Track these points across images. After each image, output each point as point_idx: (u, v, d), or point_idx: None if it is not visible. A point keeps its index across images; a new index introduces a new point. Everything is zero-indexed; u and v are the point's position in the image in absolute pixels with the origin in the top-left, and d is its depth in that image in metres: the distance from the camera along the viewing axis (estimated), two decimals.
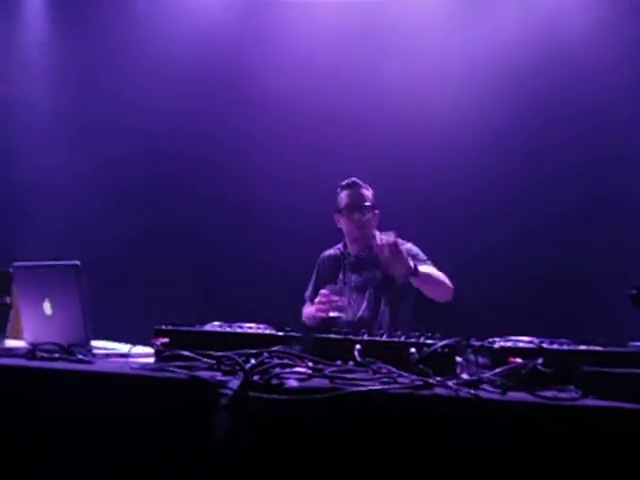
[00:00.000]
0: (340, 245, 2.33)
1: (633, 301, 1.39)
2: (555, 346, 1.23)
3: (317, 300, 2.04)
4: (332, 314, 2.02)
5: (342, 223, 2.24)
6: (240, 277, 2.89)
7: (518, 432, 0.86)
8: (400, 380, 0.95)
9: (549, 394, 0.94)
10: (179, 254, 2.99)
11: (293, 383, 0.92)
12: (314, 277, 2.35)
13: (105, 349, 1.60)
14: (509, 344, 1.23)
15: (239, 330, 1.33)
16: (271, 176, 2.96)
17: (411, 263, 1.92)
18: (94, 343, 1.53)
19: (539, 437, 0.85)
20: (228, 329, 1.35)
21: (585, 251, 2.67)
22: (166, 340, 1.28)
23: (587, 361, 1.12)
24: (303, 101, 2.95)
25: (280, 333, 1.31)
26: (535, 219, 2.77)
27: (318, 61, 3.05)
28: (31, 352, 1.28)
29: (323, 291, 2.04)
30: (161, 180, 3.08)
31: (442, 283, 2.06)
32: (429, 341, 1.21)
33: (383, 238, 1.84)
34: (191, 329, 1.33)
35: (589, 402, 0.91)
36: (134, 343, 1.75)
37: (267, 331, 1.35)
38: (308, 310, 2.24)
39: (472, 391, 0.91)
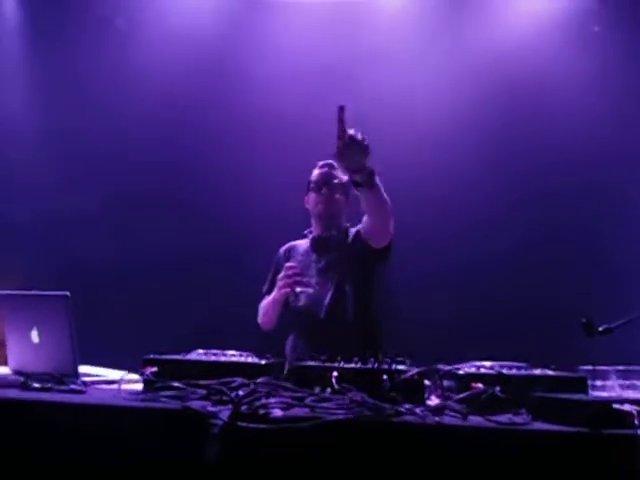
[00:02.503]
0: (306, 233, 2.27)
1: (583, 329, 1.56)
2: (514, 371, 1.37)
3: (281, 275, 1.95)
4: (298, 289, 1.92)
5: (310, 201, 2.20)
6: (230, 301, 2.83)
7: (476, 454, 0.98)
8: (374, 408, 1.06)
9: (504, 418, 1.07)
10: (164, 275, 2.99)
11: (278, 413, 1.02)
12: (272, 271, 2.23)
13: (91, 375, 1.66)
14: (472, 370, 1.37)
15: (224, 359, 1.42)
16: (269, 191, 2.93)
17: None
18: (80, 368, 1.58)
19: (494, 458, 0.98)
20: (213, 358, 1.43)
21: (551, 278, 2.82)
22: (155, 369, 1.37)
23: (539, 386, 1.26)
24: (296, 109, 2.98)
25: (262, 362, 1.41)
26: (508, 239, 2.87)
27: (309, 67, 3.12)
28: (24, 382, 1.34)
29: (290, 264, 1.97)
30: (152, 199, 3.07)
31: (389, 216, 1.90)
32: (400, 367, 1.33)
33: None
34: (178, 358, 1.41)
35: (536, 426, 1.04)
36: (114, 365, 1.82)
37: (249, 359, 1.44)
38: (264, 303, 2.14)
39: (437, 418, 1.02)
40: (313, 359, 1.39)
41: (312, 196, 2.18)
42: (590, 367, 1.51)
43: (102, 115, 3.19)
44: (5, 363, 1.76)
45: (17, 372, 1.67)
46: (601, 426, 1.00)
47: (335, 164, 2.15)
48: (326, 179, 2.14)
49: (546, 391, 1.23)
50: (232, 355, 1.48)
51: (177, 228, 3.04)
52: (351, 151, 1.58)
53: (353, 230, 2.17)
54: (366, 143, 1.59)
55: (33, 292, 1.67)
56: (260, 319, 2.20)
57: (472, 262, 2.88)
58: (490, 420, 1.04)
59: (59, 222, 3.11)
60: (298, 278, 1.93)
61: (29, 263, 3.00)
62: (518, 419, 1.07)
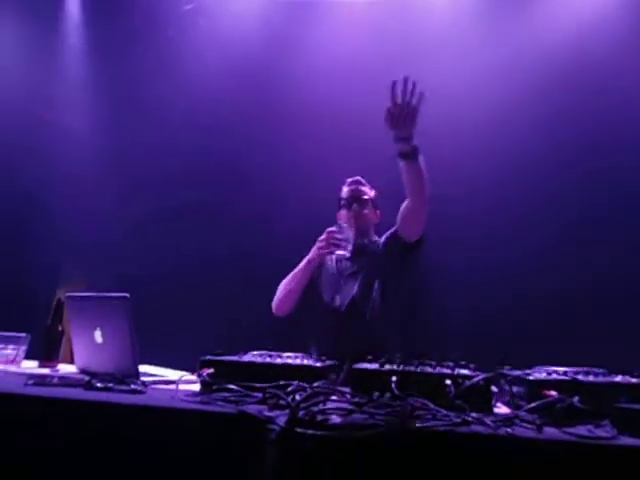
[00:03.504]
0: None
1: None
2: (590, 378, 1.25)
3: (321, 237, 2.09)
4: (339, 252, 2.04)
5: (342, 217, 2.34)
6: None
7: (553, 471, 0.89)
8: (439, 416, 1.00)
9: (584, 431, 0.97)
10: (218, 277, 3.03)
11: (336, 419, 0.97)
12: None
13: (151, 375, 1.69)
14: (543, 375, 1.26)
15: (279, 361, 1.39)
16: (313, 191, 2.91)
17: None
18: (141, 368, 1.62)
19: (573, 476, 0.88)
20: (269, 360, 1.41)
21: (617, 270, 2.59)
22: (211, 371, 1.36)
23: (624, 395, 1.14)
24: (338, 112, 2.95)
25: (318, 364, 1.37)
26: (557, 232, 2.69)
27: (359, 64, 3.05)
28: (88, 382, 1.37)
29: (330, 229, 2.08)
30: (203, 201, 3.11)
31: (427, 198, 2.01)
32: (463, 371, 1.26)
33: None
34: (235, 360, 1.40)
35: (624, 441, 0.93)
36: (169, 364, 1.84)
37: (305, 361, 1.41)
38: (289, 276, 2.21)
39: (509, 430, 0.94)
40: (370, 362, 1.34)
41: (343, 212, 2.33)
42: None
43: (153, 125, 3.27)
44: (72, 360, 1.84)
45: (83, 371, 1.73)
46: None
47: (362, 180, 2.35)
48: (355, 196, 2.30)
49: (631, 401, 1.11)
50: (287, 357, 1.46)
51: (230, 233, 3.07)
52: (401, 117, 1.79)
53: (382, 238, 2.29)
54: (415, 106, 1.79)
55: (96, 294, 1.72)
56: (279, 296, 2.24)
57: (523, 257, 2.69)
58: (568, 433, 0.95)
59: (119, 231, 3.23)
60: (337, 241, 2.04)
61: (93, 270, 3.12)
62: (601, 432, 0.97)
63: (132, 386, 1.35)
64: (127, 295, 1.57)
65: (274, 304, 2.27)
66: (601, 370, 1.33)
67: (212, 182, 3.17)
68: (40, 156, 3.42)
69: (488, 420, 0.97)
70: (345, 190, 2.35)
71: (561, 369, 1.34)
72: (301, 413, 0.99)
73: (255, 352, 1.54)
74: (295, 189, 3.00)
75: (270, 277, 2.94)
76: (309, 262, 2.16)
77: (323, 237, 2.08)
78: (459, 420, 0.97)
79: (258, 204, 3.08)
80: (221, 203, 3.13)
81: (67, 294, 1.83)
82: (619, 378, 1.24)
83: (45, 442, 1.19)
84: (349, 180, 2.36)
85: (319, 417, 0.98)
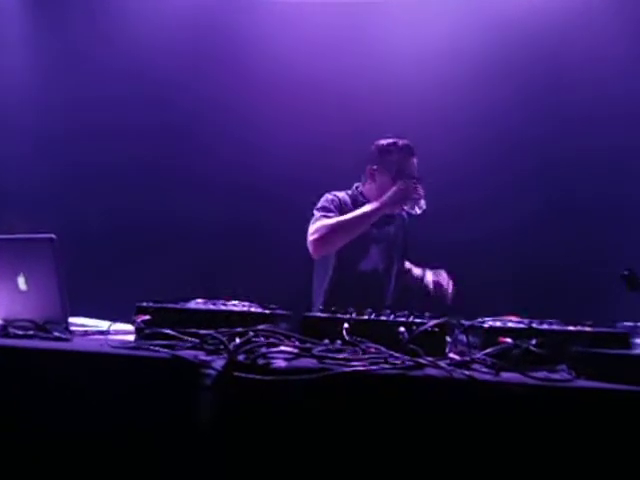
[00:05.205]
0: (349, 192, 2.22)
1: (626, 282, 1.39)
2: (545, 326, 1.22)
3: (401, 187, 2.03)
4: (417, 209, 2.04)
5: (382, 179, 2.15)
6: (225, 254, 2.85)
7: (512, 413, 0.84)
8: (391, 360, 0.92)
9: (541, 375, 0.93)
10: (162, 230, 2.92)
11: (280, 363, 0.88)
12: (333, 207, 2.13)
13: (83, 326, 1.55)
14: (499, 324, 1.22)
15: (223, 308, 1.28)
16: (251, 153, 2.91)
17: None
18: (72, 320, 1.47)
19: (533, 419, 0.84)
20: (212, 307, 1.30)
21: (574, 239, 2.69)
22: (147, 317, 1.24)
23: (577, 342, 1.12)
24: (299, 88, 2.91)
25: (266, 311, 1.27)
26: (524, 210, 2.76)
27: (315, 23, 3.01)
28: (3, 329, 1.22)
29: (408, 181, 2.05)
30: (143, 155, 2.98)
31: None
32: (418, 320, 1.19)
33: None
34: (173, 306, 1.28)
35: (582, 383, 0.89)
36: (114, 320, 1.71)
37: (252, 309, 1.31)
38: (346, 220, 2.02)
39: (466, 372, 0.88)
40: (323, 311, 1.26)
41: (389, 179, 2.12)
42: (631, 324, 1.36)
43: (106, 81, 3.06)
44: None
45: (5, 321, 1.56)
46: None
47: (414, 148, 2.17)
48: (412, 172, 2.12)
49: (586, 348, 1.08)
50: (233, 305, 1.35)
51: (166, 186, 2.97)
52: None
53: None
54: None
55: (16, 235, 1.54)
56: (331, 236, 2.03)
57: (500, 229, 2.73)
58: (528, 376, 0.90)
59: (51, 179, 3.02)
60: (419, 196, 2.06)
61: (20, 218, 2.90)
62: (558, 376, 0.92)
63: (55, 333, 1.21)
64: (53, 236, 1.40)
65: (318, 242, 2.04)
66: (554, 320, 1.31)
67: (149, 138, 3.01)
68: None
69: (443, 363, 0.91)
70: (402, 158, 2.13)
71: (515, 318, 1.30)
72: (241, 357, 0.89)
73: (199, 300, 1.42)
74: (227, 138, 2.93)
75: (207, 229, 2.89)
76: (381, 209, 2.04)
77: (406, 187, 2.04)
78: (412, 363, 0.90)
79: (193, 158, 2.97)
80: (157, 158, 2.99)
81: None
82: (572, 327, 1.22)
83: None
84: (406, 144, 2.15)
85: (261, 361, 0.88)
